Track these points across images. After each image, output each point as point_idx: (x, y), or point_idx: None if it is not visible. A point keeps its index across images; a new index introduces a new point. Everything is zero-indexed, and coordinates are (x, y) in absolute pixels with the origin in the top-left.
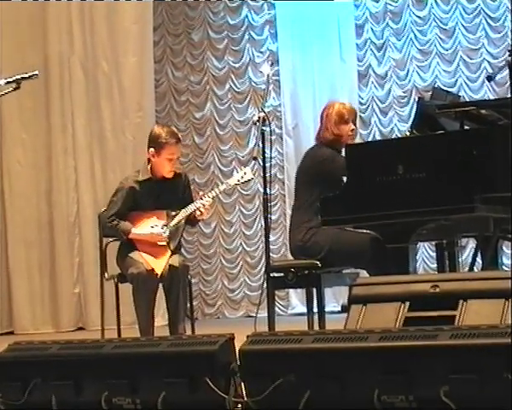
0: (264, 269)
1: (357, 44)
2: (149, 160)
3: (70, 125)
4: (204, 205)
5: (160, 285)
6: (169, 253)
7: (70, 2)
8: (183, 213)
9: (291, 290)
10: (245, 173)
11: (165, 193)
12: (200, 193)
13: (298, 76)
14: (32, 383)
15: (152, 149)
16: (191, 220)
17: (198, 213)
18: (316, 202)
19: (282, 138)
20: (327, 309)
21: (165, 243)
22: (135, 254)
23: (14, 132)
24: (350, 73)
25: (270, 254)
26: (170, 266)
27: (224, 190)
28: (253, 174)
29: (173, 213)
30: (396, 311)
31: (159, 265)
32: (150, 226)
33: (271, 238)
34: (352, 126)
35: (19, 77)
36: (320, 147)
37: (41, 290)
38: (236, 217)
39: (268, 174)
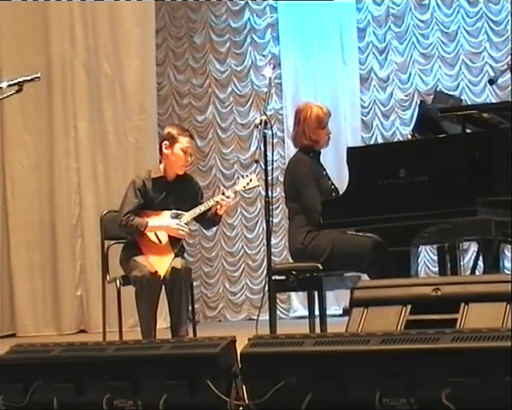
0: (265, 272)
1: (359, 48)
2: (161, 161)
3: (72, 128)
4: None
5: (163, 288)
6: (172, 255)
7: (72, 5)
8: (193, 213)
9: (292, 293)
10: (250, 180)
11: (174, 194)
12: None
13: (300, 79)
14: (34, 385)
15: (166, 142)
16: (211, 218)
17: (218, 206)
18: (305, 209)
19: (283, 141)
20: (328, 312)
21: (184, 235)
22: (139, 258)
23: (17, 134)
24: (352, 77)
25: (272, 257)
26: (172, 268)
27: (229, 196)
28: (258, 180)
29: (179, 212)
30: (397, 314)
31: (162, 267)
32: (165, 219)
33: (273, 241)
34: (329, 130)
35: (21, 79)
36: (298, 157)
37: (43, 293)
38: (238, 220)
39: (270, 177)
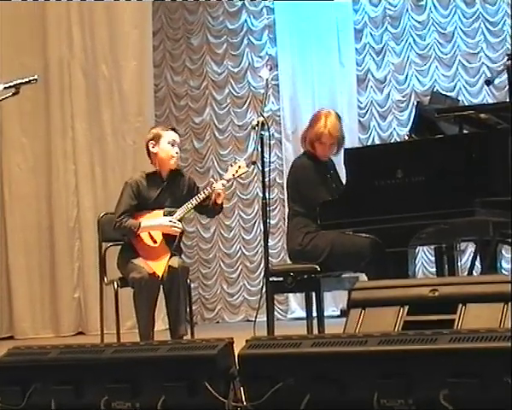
0: (263, 273)
1: (356, 49)
2: (153, 162)
3: (70, 130)
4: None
5: (161, 289)
6: (168, 255)
7: (70, 7)
8: (185, 208)
9: (290, 295)
10: (239, 167)
11: (168, 190)
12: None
13: (297, 80)
14: (32, 387)
15: (151, 142)
16: (211, 207)
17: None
18: (310, 210)
19: (281, 143)
20: (326, 313)
21: (178, 231)
22: (136, 260)
23: (14, 137)
24: (349, 78)
25: (270, 259)
26: (169, 267)
27: (224, 186)
28: (247, 166)
29: (172, 210)
30: (395, 315)
31: (159, 267)
32: (159, 218)
33: (270, 243)
34: (327, 151)
35: (18, 82)
36: (302, 161)
37: (41, 295)
38: (236, 221)
39: (267, 179)
